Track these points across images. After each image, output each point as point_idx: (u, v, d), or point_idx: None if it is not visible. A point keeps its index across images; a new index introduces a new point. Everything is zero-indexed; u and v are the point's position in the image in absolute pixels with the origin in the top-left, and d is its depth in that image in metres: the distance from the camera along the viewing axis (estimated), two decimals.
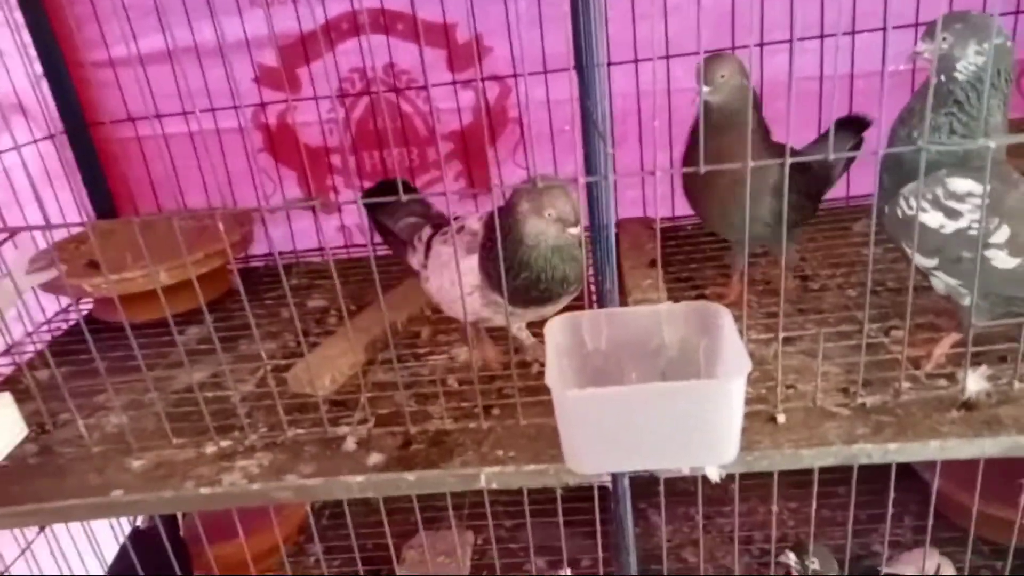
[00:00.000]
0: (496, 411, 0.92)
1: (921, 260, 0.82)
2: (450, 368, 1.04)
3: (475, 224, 0.94)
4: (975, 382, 0.82)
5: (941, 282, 0.84)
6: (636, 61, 1.33)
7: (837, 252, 1.25)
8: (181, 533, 1.40)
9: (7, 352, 1.18)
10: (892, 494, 0.94)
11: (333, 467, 0.86)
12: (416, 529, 1.47)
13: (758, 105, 1.04)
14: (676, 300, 1.14)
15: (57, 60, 1.39)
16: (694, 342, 0.76)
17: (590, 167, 0.98)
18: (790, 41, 1.29)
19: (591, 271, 0.94)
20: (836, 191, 1.36)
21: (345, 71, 1.39)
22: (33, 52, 1.34)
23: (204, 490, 0.83)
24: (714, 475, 0.76)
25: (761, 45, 1.30)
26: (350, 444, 0.90)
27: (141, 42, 1.37)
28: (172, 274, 1.15)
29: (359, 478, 0.82)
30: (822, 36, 1.29)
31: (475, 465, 0.82)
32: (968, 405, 0.83)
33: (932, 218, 0.79)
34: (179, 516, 1.40)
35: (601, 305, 0.93)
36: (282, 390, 0.98)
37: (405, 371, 1.02)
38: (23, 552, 1.18)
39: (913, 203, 0.79)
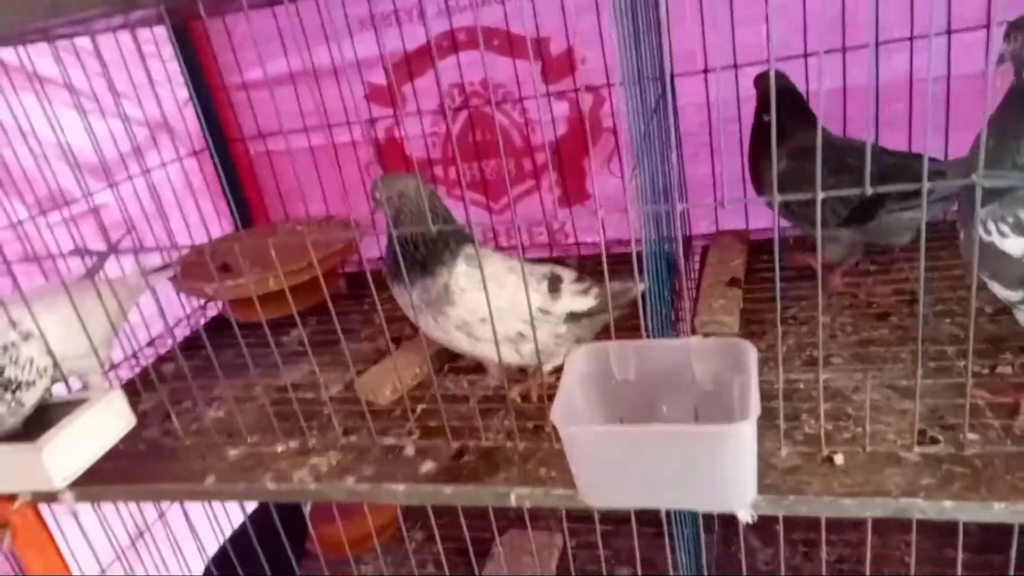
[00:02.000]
0: (548, 429, 0.94)
1: (1003, 292, 0.73)
2: (515, 379, 1.07)
3: None
4: None
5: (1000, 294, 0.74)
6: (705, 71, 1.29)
7: (956, 274, 1.13)
8: (307, 512, 1.55)
9: (150, 344, 1.37)
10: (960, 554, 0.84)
11: (389, 473, 0.91)
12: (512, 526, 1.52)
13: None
14: (759, 320, 1.10)
15: (201, 85, 1.56)
16: (728, 379, 0.74)
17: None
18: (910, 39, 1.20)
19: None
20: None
21: (445, 87, 1.45)
22: (180, 79, 1.51)
23: (271, 485, 0.92)
24: (745, 517, 0.73)
25: (876, 44, 1.20)
26: (409, 451, 0.95)
27: (269, 65, 1.51)
28: (277, 280, 1.26)
29: (402, 487, 0.87)
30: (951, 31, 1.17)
31: (512, 484, 0.85)
32: None
33: (1014, 244, 0.70)
34: None
35: (650, 331, 0.92)
36: (355, 395, 1.06)
37: (467, 384, 1.06)
38: (159, 517, 1.36)
39: (992, 227, 0.70)
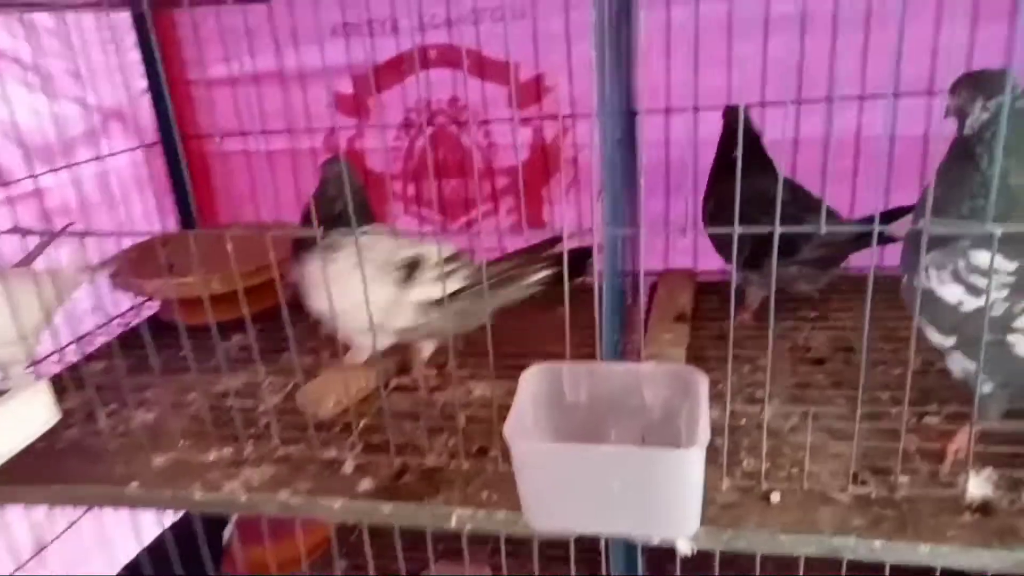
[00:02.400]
0: (493, 452, 0.93)
1: (937, 337, 0.77)
2: (465, 402, 1.06)
3: None
4: (977, 486, 0.75)
5: (958, 365, 0.77)
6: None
7: (890, 325, 1.17)
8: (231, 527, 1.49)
9: (80, 340, 1.30)
10: None
11: (326, 488, 0.89)
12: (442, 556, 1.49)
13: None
14: (702, 357, 1.12)
15: (159, 77, 1.53)
16: (677, 406, 0.75)
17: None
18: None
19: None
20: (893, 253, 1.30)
21: (412, 102, 1.45)
22: (140, 69, 1.47)
23: (199, 494, 0.88)
24: (684, 548, 0.73)
25: (830, 99, 1.26)
26: (348, 467, 0.93)
27: (234, 64, 1.49)
28: (224, 282, 1.23)
29: (338, 503, 0.85)
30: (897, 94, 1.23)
31: (453, 505, 0.83)
32: (985, 510, 0.76)
33: (951, 292, 0.73)
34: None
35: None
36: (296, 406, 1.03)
37: (416, 401, 1.05)
38: (69, 526, 1.29)
39: (933, 274, 0.73)
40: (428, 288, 0.98)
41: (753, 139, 1.22)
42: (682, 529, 0.66)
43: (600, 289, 0.87)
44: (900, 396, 0.95)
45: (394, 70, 1.44)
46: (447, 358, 1.18)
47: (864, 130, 1.28)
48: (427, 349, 1.07)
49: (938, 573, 0.76)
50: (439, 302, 0.97)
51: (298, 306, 1.39)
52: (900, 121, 1.25)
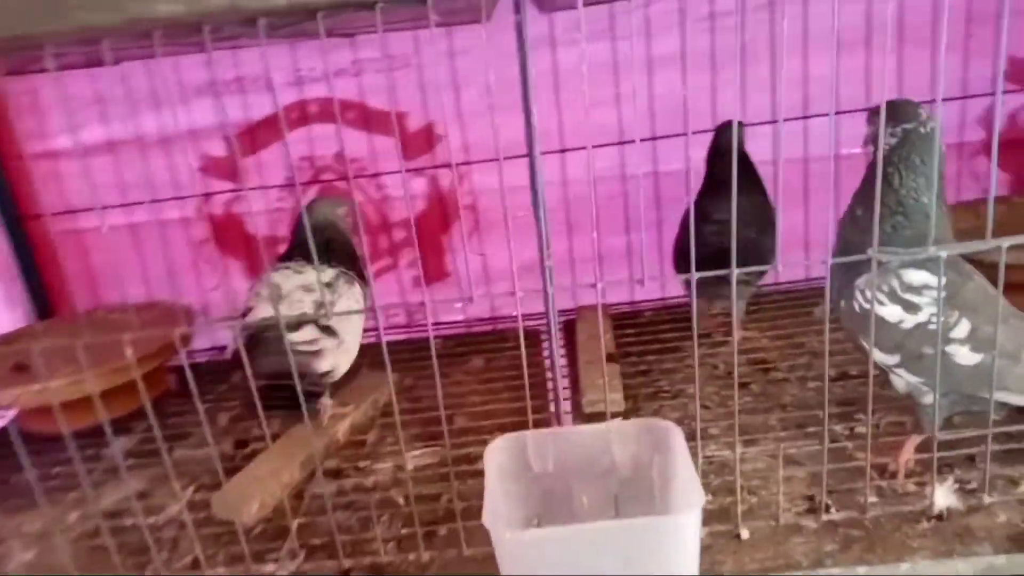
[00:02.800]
0: (442, 532, 0.85)
1: (882, 357, 0.79)
2: (396, 480, 0.97)
3: None
4: (943, 496, 0.77)
5: (903, 380, 0.80)
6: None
7: (797, 340, 1.21)
8: None
9: None
10: None
11: None
12: None
13: None
14: (634, 396, 1.11)
15: None
16: (646, 460, 0.71)
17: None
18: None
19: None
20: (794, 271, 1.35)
21: (295, 159, 1.36)
22: None
23: None
24: None
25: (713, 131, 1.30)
26: None
27: (83, 133, 1.33)
28: (102, 380, 1.07)
29: None
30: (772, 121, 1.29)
31: None
32: (939, 516, 0.78)
33: (891, 312, 0.76)
34: None
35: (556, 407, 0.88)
36: (209, 516, 0.90)
37: (347, 487, 0.95)
38: None
39: (870, 296, 0.75)
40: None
41: (742, 156, 1.20)
42: None
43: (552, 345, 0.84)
44: (836, 412, 1.00)
45: (271, 128, 1.34)
46: (368, 431, 1.10)
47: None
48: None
49: None
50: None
51: (181, 395, 1.26)
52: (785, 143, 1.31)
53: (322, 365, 0.96)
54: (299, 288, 0.99)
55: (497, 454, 0.68)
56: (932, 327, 0.73)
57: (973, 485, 0.81)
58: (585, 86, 0.77)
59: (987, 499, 0.78)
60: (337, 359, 0.99)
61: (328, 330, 0.97)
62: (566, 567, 0.59)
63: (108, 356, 1.01)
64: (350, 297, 1.04)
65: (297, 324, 0.94)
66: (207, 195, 1.38)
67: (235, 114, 1.33)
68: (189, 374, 0.76)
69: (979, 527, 0.76)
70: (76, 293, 1.45)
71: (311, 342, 0.95)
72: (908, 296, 0.75)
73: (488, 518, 0.60)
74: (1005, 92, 1.32)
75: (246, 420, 1.18)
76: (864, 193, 0.79)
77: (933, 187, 0.77)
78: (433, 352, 0.75)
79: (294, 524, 0.86)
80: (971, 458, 0.85)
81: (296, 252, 1.06)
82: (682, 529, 0.58)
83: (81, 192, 1.37)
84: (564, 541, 0.58)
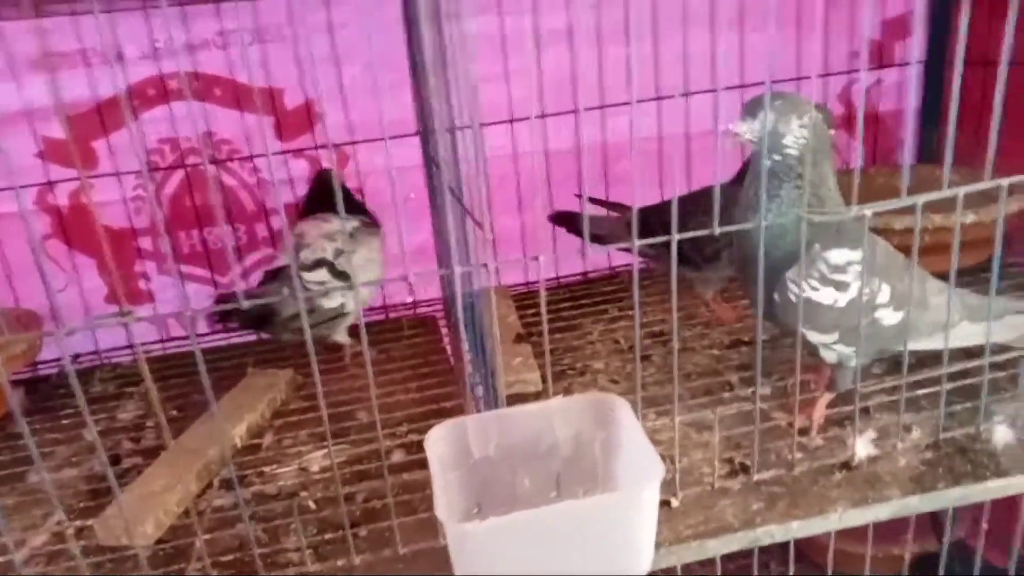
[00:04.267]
0: (364, 533, 0.79)
1: (819, 338, 0.81)
2: (303, 483, 0.90)
3: None
4: (863, 447, 0.81)
5: (834, 353, 0.83)
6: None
7: (689, 312, 1.24)
8: None
9: None
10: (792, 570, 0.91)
11: None
12: None
13: None
14: (551, 375, 1.09)
15: None
16: (588, 437, 0.69)
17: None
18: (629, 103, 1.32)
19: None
20: None
21: (153, 142, 1.22)
22: None
23: None
24: None
25: (603, 107, 1.31)
26: None
27: None
28: None
29: None
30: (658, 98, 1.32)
31: None
32: (847, 466, 0.82)
33: (825, 295, 0.78)
34: None
35: (484, 399, 0.85)
36: (89, 543, 0.78)
37: (247, 496, 0.86)
38: None
39: (804, 286, 0.76)
40: None
41: None
42: (638, 567, 0.60)
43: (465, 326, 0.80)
44: (740, 377, 1.03)
45: (123, 107, 1.19)
46: (263, 432, 1.01)
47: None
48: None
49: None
50: None
51: (33, 412, 1.10)
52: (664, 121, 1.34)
53: (328, 303, 1.10)
54: (322, 236, 1.12)
55: (437, 443, 0.64)
56: (860, 301, 0.76)
57: (875, 435, 0.86)
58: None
59: (900, 445, 0.83)
60: (346, 299, 1.12)
61: (341, 274, 1.10)
62: (530, 552, 0.55)
63: None
64: (369, 246, 1.18)
65: (312, 266, 1.09)
66: (49, 184, 1.21)
67: (79, 92, 1.17)
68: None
69: (885, 472, 0.81)
70: None
71: (321, 283, 1.09)
72: (836, 276, 0.77)
73: (442, 511, 0.55)
74: (861, 71, 1.43)
75: (116, 433, 1.05)
76: (755, 180, 0.78)
77: (834, 168, 0.80)
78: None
79: (198, 542, 0.76)
80: (866, 410, 0.91)
81: (317, 207, 1.18)
82: (642, 503, 0.57)
83: None
84: (524, 527, 0.55)
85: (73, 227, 1.25)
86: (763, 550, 0.84)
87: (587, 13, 1.27)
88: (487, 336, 1.10)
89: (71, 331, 0.57)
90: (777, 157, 0.76)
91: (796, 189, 0.77)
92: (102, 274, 1.28)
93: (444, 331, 1.31)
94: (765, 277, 0.75)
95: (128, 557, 0.77)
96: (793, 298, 0.77)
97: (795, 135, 0.76)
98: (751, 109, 0.75)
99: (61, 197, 1.23)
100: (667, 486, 0.80)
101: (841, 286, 0.77)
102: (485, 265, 0.65)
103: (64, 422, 1.07)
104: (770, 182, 0.76)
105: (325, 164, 1.29)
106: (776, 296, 0.78)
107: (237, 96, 1.22)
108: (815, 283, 0.77)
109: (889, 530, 0.94)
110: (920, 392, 0.89)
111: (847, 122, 1.44)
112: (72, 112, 1.17)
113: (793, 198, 0.77)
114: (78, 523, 0.84)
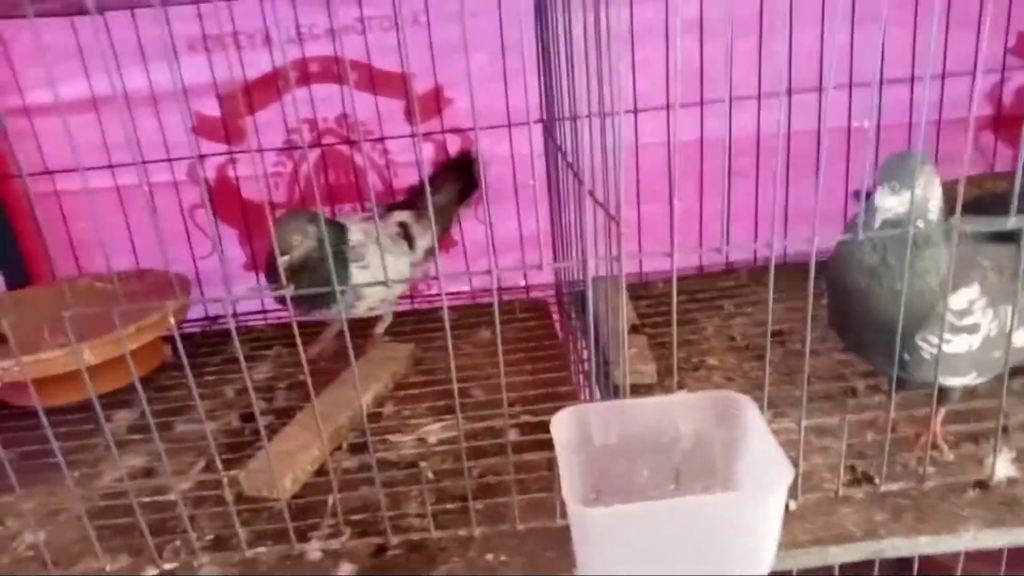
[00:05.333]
0: (480, 507, 0.82)
1: (957, 381, 0.78)
2: (422, 454, 0.94)
3: None
4: (1003, 467, 0.77)
5: (962, 383, 0.80)
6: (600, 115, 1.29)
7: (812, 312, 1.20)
8: None
9: None
10: None
11: None
12: None
13: None
14: (665, 367, 1.09)
15: None
16: (710, 434, 0.69)
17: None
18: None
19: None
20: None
21: (294, 122, 1.29)
22: None
23: None
24: None
25: (731, 100, 1.28)
26: (314, 554, 0.78)
27: (63, 88, 1.24)
28: (98, 352, 1.01)
29: None
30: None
31: None
32: (983, 485, 0.79)
33: (959, 344, 0.74)
34: None
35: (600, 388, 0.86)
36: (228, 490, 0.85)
37: (370, 461, 0.91)
38: None
39: (935, 341, 0.73)
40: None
41: None
42: (759, 567, 0.60)
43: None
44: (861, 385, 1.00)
45: (269, 87, 1.27)
46: (384, 402, 1.07)
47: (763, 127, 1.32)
48: (386, 321, 1.25)
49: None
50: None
51: (176, 368, 1.19)
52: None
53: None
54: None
55: (562, 427, 0.66)
56: (992, 335, 0.73)
57: (1013, 455, 0.82)
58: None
59: None
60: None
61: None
62: (652, 543, 0.56)
63: (99, 327, 0.95)
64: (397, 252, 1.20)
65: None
66: (200, 157, 1.30)
67: (230, 72, 1.25)
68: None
69: None
70: (57, 260, 1.36)
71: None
72: (965, 321, 0.74)
73: (567, 493, 0.57)
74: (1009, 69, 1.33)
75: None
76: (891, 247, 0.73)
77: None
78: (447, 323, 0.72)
79: (331, 500, 0.81)
80: (1004, 428, 0.86)
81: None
82: (769, 505, 0.56)
83: (61, 152, 1.28)
84: (650, 516, 0.56)
85: (219, 199, 1.34)
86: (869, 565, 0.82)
87: (719, 5, 1.24)
88: (603, 325, 1.11)
89: (237, 299, 0.62)
90: (920, 224, 0.72)
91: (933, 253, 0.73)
92: (242, 244, 1.37)
93: (555, 316, 1.33)
94: (883, 339, 0.72)
95: (266, 508, 0.83)
96: (928, 356, 0.74)
97: (937, 200, 0.73)
98: (900, 178, 0.70)
99: (210, 170, 1.33)
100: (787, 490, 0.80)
101: (972, 329, 0.74)
102: (618, 257, 0.66)
103: (206, 379, 1.16)
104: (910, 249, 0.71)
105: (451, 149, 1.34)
106: (907, 356, 0.75)
107: (372, 80, 1.27)
108: (947, 336, 0.73)
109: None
110: None
111: (994, 123, 1.35)
112: (224, 91, 1.26)
113: (928, 267, 0.73)
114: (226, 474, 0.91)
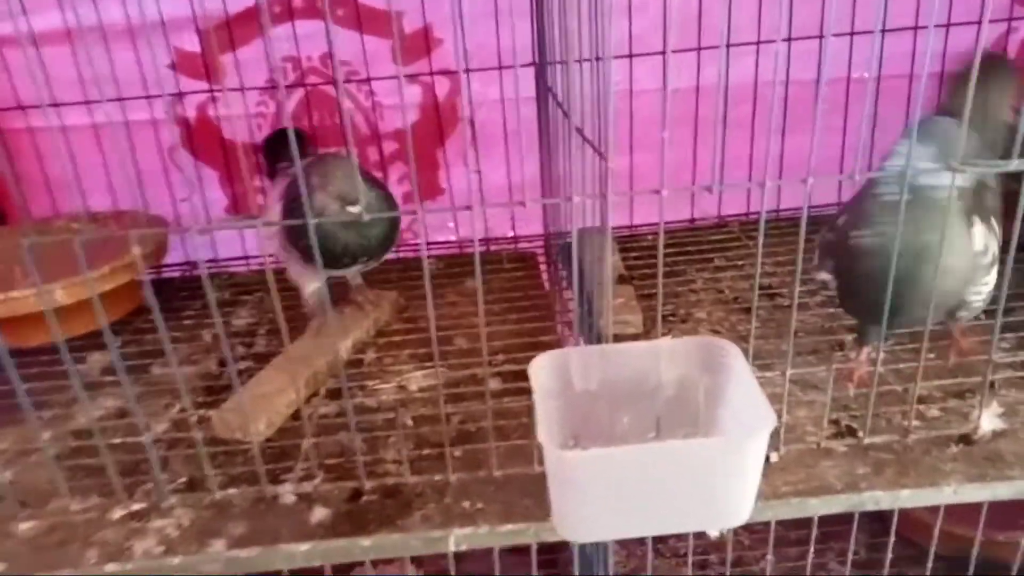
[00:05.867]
0: (458, 453, 0.81)
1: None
2: (402, 400, 0.93)
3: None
4: (989, 420, 0.76)
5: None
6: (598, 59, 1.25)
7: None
8: None
9: None
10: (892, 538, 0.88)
11: (271, 529, 0.72)
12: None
13: None
14: (651, 318, 1.07)
15: None
16: (693, 380, 0.68)
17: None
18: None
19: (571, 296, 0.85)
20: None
21: (277, 60, 1.24)
22: None
23: (111, 566, 0.68)
24: (713, 532, 0.67)
25: (728, 46, 1.24)
26: (288, 498, 0.77)
27: (35, 19, 1.19)
28: (70, 292, 0.98)
29: (304, 546, 0.69)
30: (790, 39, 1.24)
31: (441, 525, 0.71)
32: (967, 440, 0.78)
33: (992, 277, 0.76)
34: None
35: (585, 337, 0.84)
36: (204, 435, 0.84)
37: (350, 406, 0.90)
38: None
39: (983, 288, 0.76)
40: None
41: None
42: (738, 516, 0.59)
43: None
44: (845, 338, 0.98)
45: (251, 23, 1.22)
46: (365, 348, 1.05)
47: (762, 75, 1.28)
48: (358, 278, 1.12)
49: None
50: None
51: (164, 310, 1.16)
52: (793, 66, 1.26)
53: None
54: None
55: (541, 371, 0.64)
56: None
57: (1001, 411, 0.81)
58: None
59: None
60: None
61: None
62: (629, 488, 0.55)
63: (74, 267, 0.92)
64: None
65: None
66: (179, 95, 1.26)
67: (211, 5, 1.20)
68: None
69: (1008, 451, 0.76)
70: (31, 201, 1.32)
71: None
72: (987, 259, 0.75)
73: (543, 436, 0.55)
74: None
75: (229, 338, 1.11)
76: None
77: None
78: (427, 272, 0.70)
79: (305, 444, 0.80)
80: (991, 384, 0.85)
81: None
82: (750, 451, 0.55)
83: (33, 87, 1.23)
84: (627, 460, 0.54)
85: (199, 138, 1.30)
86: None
87: None
88: (590, 273, 1.09)
89: (205, 230, 0.60)
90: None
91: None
92: (223, 186, 1.34)
93: (543, 268, 1.30)
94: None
95: (239, 451, 0.82)
96: (980, 302, 0.76)
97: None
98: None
99: (190, 109, 1.28)
100: (769, 440, 0.78)
101: (993, 260, 0.74)
102: (604, 195, 0.63)
103: (185, 323, 1.14)
104: None
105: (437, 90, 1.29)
106: (962, 313, 0.77)
107: (358, 17, 1.22)
108: (985, 280, 0.75)
109: (1003, 515, 0.89)
110: None
111: None
112: (204, 26, 1.21)
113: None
114: (198, 414, 0.89)
